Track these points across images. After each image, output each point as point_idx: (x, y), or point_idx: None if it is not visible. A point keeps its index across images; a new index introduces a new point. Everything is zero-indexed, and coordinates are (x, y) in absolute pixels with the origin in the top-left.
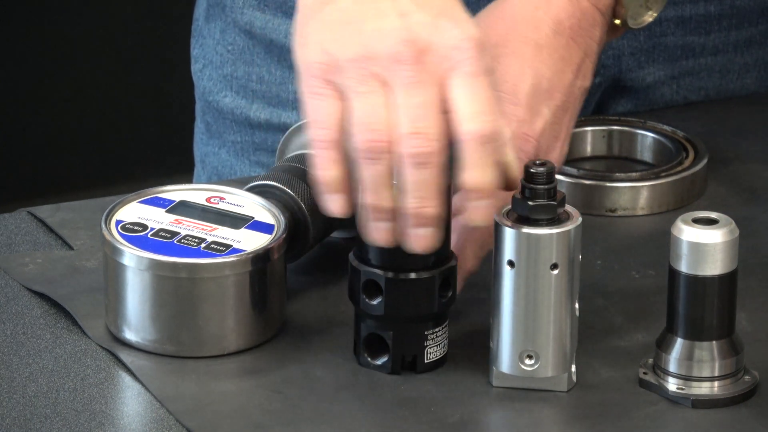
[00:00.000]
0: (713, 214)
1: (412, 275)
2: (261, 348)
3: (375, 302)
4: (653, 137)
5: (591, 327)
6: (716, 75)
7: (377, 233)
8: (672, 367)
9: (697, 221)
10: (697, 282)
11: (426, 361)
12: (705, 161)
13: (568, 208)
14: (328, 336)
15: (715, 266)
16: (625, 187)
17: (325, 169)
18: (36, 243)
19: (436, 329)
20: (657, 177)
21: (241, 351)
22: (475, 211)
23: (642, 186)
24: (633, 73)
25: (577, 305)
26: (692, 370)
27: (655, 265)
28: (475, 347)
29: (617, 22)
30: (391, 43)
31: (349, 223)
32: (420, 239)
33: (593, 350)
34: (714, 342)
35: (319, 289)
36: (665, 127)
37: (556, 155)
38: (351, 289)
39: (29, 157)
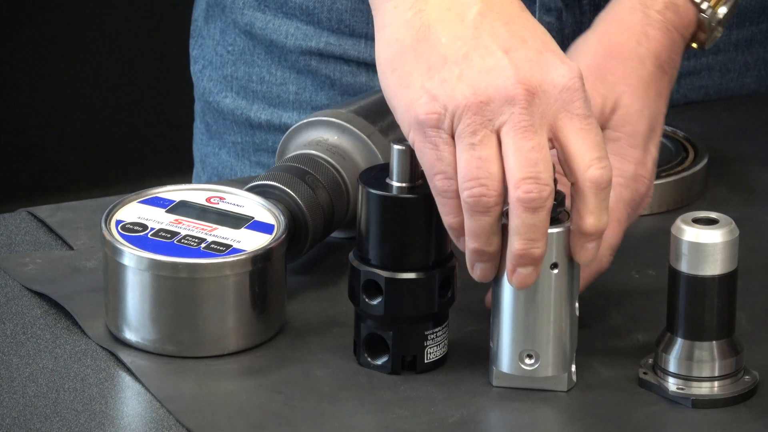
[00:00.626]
0: (713, 214)
1: (412, 275)
2: (261, 348)
3: (375, 302)
4: None
5: (591, 327)
6: (717, 74)
7: (483, 272)
8: (672, 367)
9: (697, 221)
10: (697, 282)
11: (426, 361)
12: (705, 161)
13: (567, 207)
14: (328, 336)
15: (715, 266)
16: None
17: (455, 216)
18: (36, 243)
19: (436, 329)
20: (657, 177)
21: (241, 351)
22: (588, 253)
23: None
24: None
25: (577, 305)
26: (692, 370)
27: (655, 265)
28: (475, 347)
29: (694, 45)
30: (502, 84)
31: (349, 223)
32: (523, 277)
33: (593, 350)
34: (714, 342)
35: (319, 289)
36: (665, 127)
37: (652, 189)
38: (351, 289)
39: (29, 157)
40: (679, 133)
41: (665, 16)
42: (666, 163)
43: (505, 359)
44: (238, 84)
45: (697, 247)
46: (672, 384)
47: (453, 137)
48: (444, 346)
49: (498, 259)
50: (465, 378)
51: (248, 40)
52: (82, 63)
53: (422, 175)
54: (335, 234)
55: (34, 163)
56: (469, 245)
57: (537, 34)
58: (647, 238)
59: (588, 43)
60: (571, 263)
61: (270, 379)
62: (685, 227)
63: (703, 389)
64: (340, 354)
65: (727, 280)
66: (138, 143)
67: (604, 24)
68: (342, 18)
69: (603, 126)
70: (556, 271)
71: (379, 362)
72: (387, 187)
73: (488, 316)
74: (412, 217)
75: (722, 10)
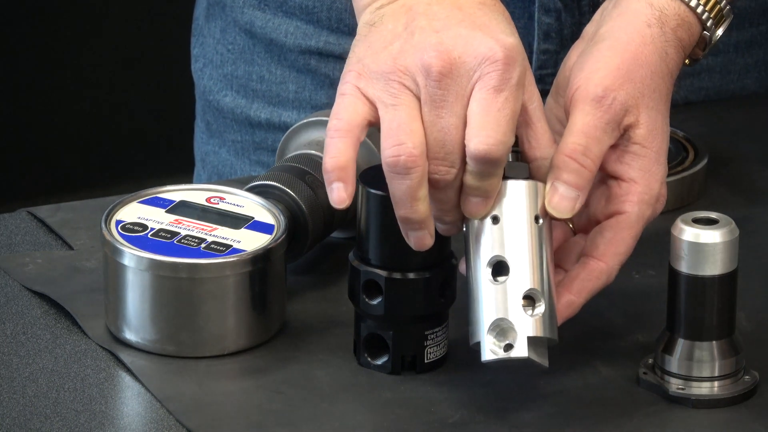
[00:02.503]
0: (713, 214)
1: (412, 275)
2: (261, 348)
3: (375, 302)
4: None
5: (591, 327)
6: (717, 75)
7: (417, 240)
8: (672, 367)
9: (697, 221)
10: (697, 282)
11: (426, 361)
12: (705, 161)
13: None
14: (328, 336)
15: (715, 266)
16: None
17: (332, 156)
18: (36, 243)
19: (436, 329)
20: None
21: (241, 351)
22: (469, 206)
23: None
24: None
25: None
26: (692, 370)
27: (655, 265)
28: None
29: (687, 62)
30: (421, 56)
31: (349, 223)
32: (424, 242)
33: (593, 350)
34: (714, 342)
35: (319, 289)
36: None
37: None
38: (351, 289)
39: (29, 157)
40: (679, 133)
41: (677, 35)
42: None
43: (507, 305)
44: (238, 83)
45: (697, 247)
46: (672, 384)
47: (368, 98)
48: (444, 346)
49: (432, 226)
50: (465, 378)
51: (248, 39)
52: (82, 63)
53: None
54: (335, 234)
55: (34, 163)
56: (396, 213)
57: (482, 19)
58: (647, 238)
59: (612, 47)
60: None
61: (270, 379)
62: (685, 227)
63: (703, 389)
64: (340, 354)
65: (727, 280)
66: (138, 143)
67: (625, 34)
68: (341, 17)
69: (621, 132)
70: (540, 222)
71: (379, 362)
72: (387, 187)
73: None
74: None
75: (720, 31)
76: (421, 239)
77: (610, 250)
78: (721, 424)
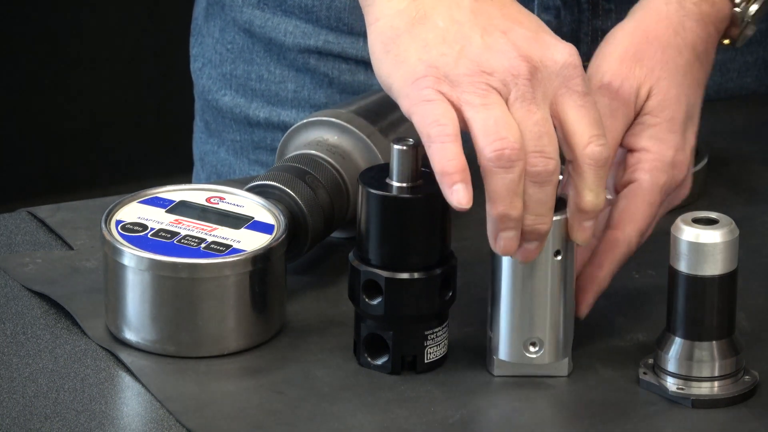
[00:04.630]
0: (713, 214)
1: (413, 275)
2: (261, 348)
3: (375, 302)
4: None
5: (591, 327)
6: (716, 74)
7: (507, 243)
8: (672, 367)
9: (697, 221)
10: (697, 282)
11: (426, 361)
12: (705, 161)
13: (562, 195)
14: (328, 336)
15: (715, 266)
16: None
17: (450, 159)
18: (36, 243)
19: (436, 329)
20: None
21: (241, 351)
22: (585, 232)
23: None
24: None
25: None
26: (692, 370)
27: (655, 265)
28: (475, 347)
29: (726, 42)
30: (506, 57)
31: (349, 223)
32: (528, 253)
33: (593, 350)
34: (714, 342)
35: (319, 289)
36: None
37: (690, 179)
38: (351, 289)
39: (29, 157)
40: None
41: (701, 8)
42: None
43: (508, 348)
44: (237, 82)
45: (697, 247)
46: (672, 384)
47: (452, 102)
48: (444, 346)
49: (520, 228)
50: (465, 378)
51: (247, 38)
52: (82, 62)
53: (422, 175)
54: (335, 234)
55: (34, 163)
56: (492, 211)
57: (531, 18)
58: (647, 238)
59: (624, 29)
60: (572, 249)
61: (270, 379)
62: (685, 227)
63: (703, 389)
64: (340, 354)
65: (727, 280)
66: (138, 143)
67: (639, 13)
68: (341, 16)
69: (637, 111)
70: (558, 258)
71: (379, 362)
72: (387, 187)
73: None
74: (412, 217)
75: (754, 7)
76: (511, 241)
77: (625, 219)
78: (721, 424)
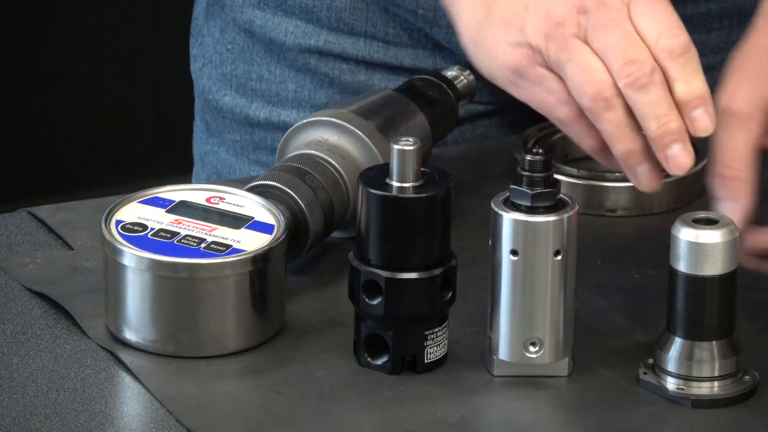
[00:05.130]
0: (713, 214)
1: (413, 275)
2: (261, 348)
3: (375, 302)
4: None
5: (591, 327)
6: (717, 74)
7: (645, 177)
8: (672, 367)
9: (697, 221)
10: (697, 282)
11: (426, 361)
12: (705, 161)
13: (562, 195)
14: (328, 336)
15: (715, 266)
16: (625, 187)
17: (591, 136)
18: (36, 243)
19: (436, 329)
20: None
21: (241, 351)
22: (700, 121)
23: None
24: None
25: (576, 290)
26: (692, 370)
27: (655, 265)
28: (475, 347)
29: None
30: (568, 1)
31: (349, 223)
32: (677, 159)
33: (593, 350)
34: (714, 342)
35: (319, 289)
36: None
37: None
38: (351, 289)
39: (29, 157)
40: None
41: None
42: None
43: (508, 348)
44: (238, 82)
45: (697, 247)
46: (672, 384)
47: (552, 70)
48: (444, 346)
49: (650, 158)
50: (465, 378)
51: (247, 39)
52: (82, 62)
53: (422, 175)
54: (335, 234)
55: (34, 163)
56: (616, 153)
57: None
58: (647, 238)
59: (742, 52)
60: (572, 249)
61: (270, 379)
62: (685, 227)
63: (703, 389)
64: (340, 354)
65: (727, 280)
66: (138, 143)
67: (754, 32)
68: (341, 16)
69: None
70: (559, 257)
71: (379, 362)
72: (387, 187)
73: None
74: (412, 217)
75: None
76: (649, 173)
77: None
78: (721, 424)
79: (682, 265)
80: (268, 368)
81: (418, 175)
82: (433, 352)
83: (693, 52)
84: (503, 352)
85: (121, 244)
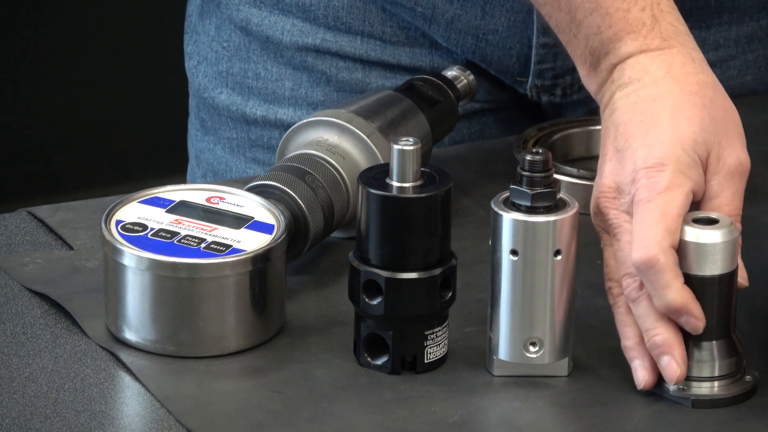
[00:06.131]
0: (713, 214)
1: (413, 275)
2: (261, 348)
3: (375, 302)
4: None
5: (591, 327)
6: (717, 71)
7: (637, 373)
8: None
9: (697, 221)
10: (697, 282)
11: (426, 361)
12: None
13: (562, 195)
14: (328, 336)
15: (715, 266)
16: None
17: (621, 335)
18: (36, 243)
19: (436, 329)
20: None
21: (241, 351)
22: (667, 369)
23: None
24: None
25: (576, 290)
26: (692, 370)
27: None
28: (475, 347)
29: None
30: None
31: (349, 223)
32: (666, 368)
33: (593, 350)
34: (714, 342)
35: (319, 289)
36: None
37: None
38: (351, 289)
39: (29, 157)
40: None
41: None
42: None
43: (508, 348)
44: (234, 80)
45: (697, 248)
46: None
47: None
48: (444, 346)
49: (644, 355)
50: (465, 378)
51: (244, 37)
52: (81, 62)
53: (422, 175)
54: (335, 234)
55: (34, 163)
56: (622, 341)
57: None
58: None
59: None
60: (572, 249)
61: (270, 379)
62: (685, 227)
63: (703, 389)
64: (340, 354)
65: (727, 280)
66: (138, 143)
67: None
68: (338, 15)
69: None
70: (559, 257)
71: (379, 362)
72: (387, 187)
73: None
74: (412, 217)
75: None
76: (638, 370)
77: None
78: (721, 424)
79: (682, 266)
80: (268, 368)
81: (418, 175)
82: (433, 352)
83: (661, 264)
84: (503, 352)
85: (121, 244)
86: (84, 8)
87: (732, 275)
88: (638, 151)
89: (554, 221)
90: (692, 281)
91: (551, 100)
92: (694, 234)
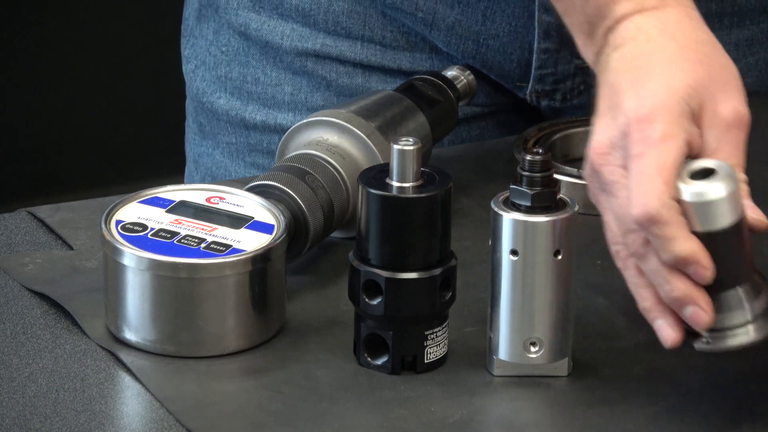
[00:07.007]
0: (710, 163)
1: (413, 275)
2: (261, 348)
3: (375, 302)
4: None
5: (591, 327)
6: None
7: (661, 333)
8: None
9: (695, 175)
10: (704, 237)
11: (426, 361)
12: None
13: (562, 195)
14: (328, 336)
15: (719, 220)
16: None
17: (638, 298)
18: (36, 243)
19: (436, 329)
20: None
21: (241, 351)
22: (693, 318)
23: None
24: None
25: (576, 290)
26: (724, 321)
27: None
28: (475, 347)
29: None
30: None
31: (349, 223)
32: (693, 317)
33: (593, 350)
34: (737, 288)
35: (319, 289)
36: None
37: None
38: (351, 289)
39: (29, 157)
40: None
41: None
42: None
43: (508, 348)
44: (233, 85)
45: (696, 206)
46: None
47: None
48: (444, 346)
49: (665, 313)
50: (465, 378)
51: (243, 41)
52: (81, 63)
53: (422, 175)
54: (335, 234)
55: (34, 163)
56: (639, 305)
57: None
58: None
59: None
60: (572, 249)
61: (270, 379)
62: (681, 186)
63: (739, 337)
64: (340, 354)
65: (734, 230)
66: (138, 143)
67: None
68: (338, 20)
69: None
70: (559, 257)
71: (379, 362)
72: (387, 187)
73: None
74: (412, 217)
75: None
76: (662, 329)
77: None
78: (721, 424)
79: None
80: (268, 368)
81: (418, 175)
82: (433, 352)
83: (663, 218)
84: (503, 352)
85: (121, 244)
86: (84, 9)
87: (739, 224)
88: (629, 103)
89: (554, 221)
90: (699, 237)
91: (551, 104)
92: (690, 192)
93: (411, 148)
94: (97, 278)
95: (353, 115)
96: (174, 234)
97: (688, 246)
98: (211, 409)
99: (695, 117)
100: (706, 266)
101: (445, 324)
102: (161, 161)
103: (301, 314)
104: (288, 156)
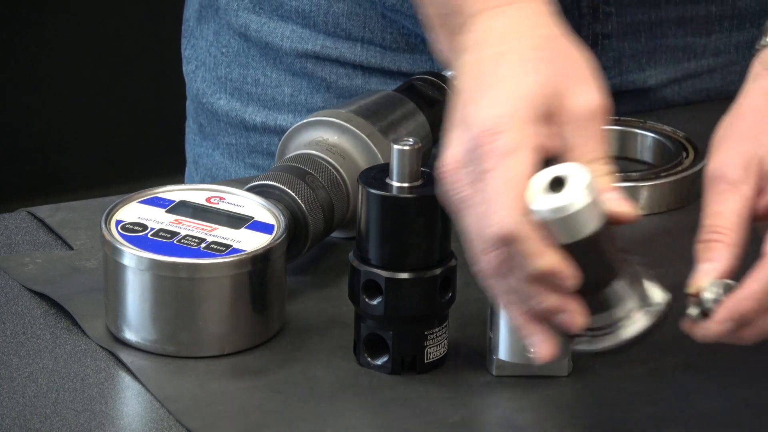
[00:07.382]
0: (560, 171)
1: (412, 275)
2: (261, 348)
3: (375, 302)
4: (653, 137)
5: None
6: (718, 77)
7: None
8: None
9: (553, 184)
10: (564, 249)
11: (426, 361)
12: (705, 161)
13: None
14: (328, 336)
15: (577, 231)
16: (625, 187)
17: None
18: (36, 243)
19: (436, 329)
20: (657, 177)
21: (241, 351)
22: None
23: (642, 186)
24: (634, 75)
25: None
26: (597, 321)
27: (655, 265)
28: (475, 347)
29: None
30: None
31: (349, 223)
32: (564, 323)
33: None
34: (607, 290)
35: (319, 289)
36: (665, 127)
37: None
38: (351, 289)
39: (29, 157)
40: (679, 133)
41: None
42: (666, 163)
43: (508, 348)
44: (233, 86)
45: (551, 222)
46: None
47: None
48: (444, 346)
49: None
50: (465, 378)
51: (243, 42)
52: (81, 63)
53: (422, 175)
54: (335, 234)
55: (34, 163)
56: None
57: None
58: (647, 238)
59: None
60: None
61: (270, 379)
62: (541, 201)
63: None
64: (340, 354)
65: (595, 236)
66: (138, 143)
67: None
68: (338, 22)
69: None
70: None
71: (379, 362)
72: (387, 187)
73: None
74: (412, 217)
75: None
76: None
77: None
78: (720, 424)
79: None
80: (268, 368)
81: (418, 175)
82: (433, 352)
83: (519, 235)
84: (503, 352)
85: (121, 244)
86: (84, 9)
87: (604, 226)
88: (474, 115)
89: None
90: (565, 247)
91: None
92: (546, 208)
93: (411, 148)
94: (97, 278)
95: (353, 115)
96: (174, 234)
97: (548, 260)
98: (211, 409)
99: (551, 116)
100: (568, 276)
101: (445, 324)
102: (161, 161)
103: (301, 314)
104: (288, 156)
